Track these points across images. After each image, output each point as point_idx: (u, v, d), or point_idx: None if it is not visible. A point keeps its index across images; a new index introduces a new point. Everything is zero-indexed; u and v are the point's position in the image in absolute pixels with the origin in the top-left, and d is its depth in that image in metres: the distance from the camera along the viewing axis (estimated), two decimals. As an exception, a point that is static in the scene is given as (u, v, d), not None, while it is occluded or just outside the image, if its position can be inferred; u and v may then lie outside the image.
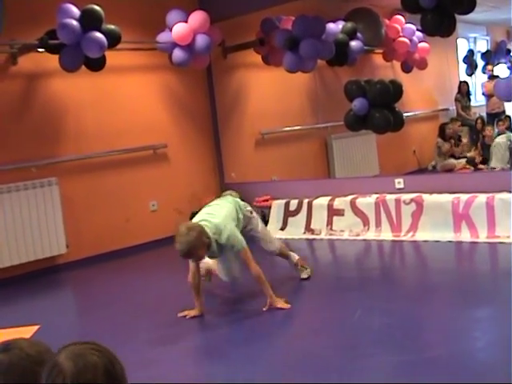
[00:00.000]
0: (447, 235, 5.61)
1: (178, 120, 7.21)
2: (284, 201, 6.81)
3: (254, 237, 4.52)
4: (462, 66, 11.76)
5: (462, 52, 11.80)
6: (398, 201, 6.01)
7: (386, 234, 5.99)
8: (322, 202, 6.51)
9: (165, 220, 6.77)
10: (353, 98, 7.18)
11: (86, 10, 5.49)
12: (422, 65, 9.51)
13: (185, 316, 4.16)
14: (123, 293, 5.12)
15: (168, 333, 3.95)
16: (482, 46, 12.50)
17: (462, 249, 5.45)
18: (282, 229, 6.68)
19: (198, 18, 6.32)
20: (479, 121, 9.54)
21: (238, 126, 7.81)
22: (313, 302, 4.39)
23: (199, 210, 4.39)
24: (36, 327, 4.18)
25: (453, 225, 5.63)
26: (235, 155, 7.71)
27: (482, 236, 5.44)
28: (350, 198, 6.34)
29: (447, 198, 5.73)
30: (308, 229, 6.52)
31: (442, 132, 9.20)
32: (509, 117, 9.07)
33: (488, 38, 12.58)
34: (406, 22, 9.07)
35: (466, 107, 10.47)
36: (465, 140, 9.58)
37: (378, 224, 6.09)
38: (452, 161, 8.93)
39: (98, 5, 5.56)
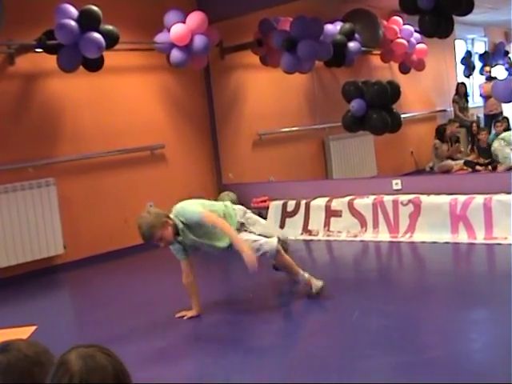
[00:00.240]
0: (445, 236, 5.61)
1: (175, 120, 7.21)
2: (281, 202, 6.81)
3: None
4: (460, 68, 11.77)
5: (460, 53, 11.81)
6: (395, 202, 6.01)
7: (384, 235, 5.99)
8: (319, 202, 6.51)
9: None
10: (350, 99, 7.18)
11: (84, 11, 5.49)
12: (420, 66, 9.52)
13: (182, 317, 4.16)
14: (121, 293, 5.12)
15: (166, 333, 3.95)
16: (480, 47, 12.52)
17: (460, 250, 5.45)
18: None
19: (195, 18, 6.32)
20: (474, 124, 9.55)
21: (236, 127, 7.81)
22: (311, 303, 4.38)
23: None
24: (33, 328, 4.16)
25: (450, 226, 5.63)
26: (233, 156, 7.71)
27: (480, 237, 5.44)
28: (347, 199, 6.35)
29: (445, 199, 5.73)
30: (305, 230, 6.52)
31: (439, 133, 9.20)
32: (507, 118, 9.08)
33: (486, 39, 12.60)
34: (404, 24, 9.08)
35: (464, 108, 10.47)
36: (462, 141, 9.58)
37: (376, 225, 6.09)
38: (449, 162, 8.93)
39: (96, 5, 5.56)
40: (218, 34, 6.67)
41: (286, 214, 6.73)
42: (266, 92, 8.13)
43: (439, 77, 10.96)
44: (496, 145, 8.30)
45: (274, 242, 4.17)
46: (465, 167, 8.68)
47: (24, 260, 5.74)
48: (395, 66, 9.54)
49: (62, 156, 6.18)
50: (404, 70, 9.51)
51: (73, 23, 5.38)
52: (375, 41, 8.72)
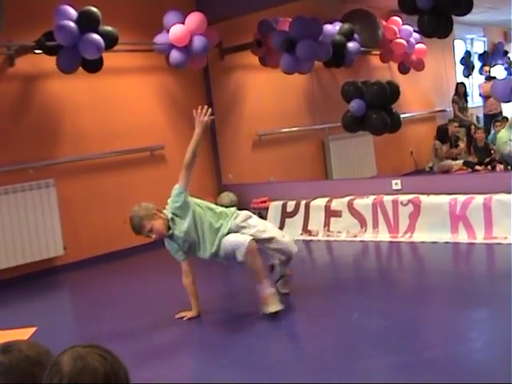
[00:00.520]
0: (444, 236, 5.61)
1: (175, 121, 7.20)
2: (281, 202, 6.81)
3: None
4: (459, 68, 11.80)
5: (459, 53, 11.84)
6: (395, 202, 6.01)
7: (384, 236, 6.00)
8: (319, 203, 6.51)
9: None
10: (350, 100, 7.18)
11: (83, 12, 5.49)
12: (419, 66, 9.53)
13: (182, 317, 4.16)
14: (121, 294, 5.12)
15: (166, 334, 3.95)
16: (479, 47, 12.54)
17: (460, 250, 5.45)
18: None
19: (195, 19, 6.33)
20: (473, 126, 9.55)
21: (236, 128, 7.81)
22: (310, 303, 4.38)
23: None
24: (33, 329, 4.17)
25: (450, 226, 5.63)
26: (232, 156, 7.71)
27: (480, 237, 5.45)
28: (347, 199, 6.35)
29: (444, 199, 5.73)
30: (305, 230, 6.52)
31: (441, 134, 9.21)
32: (506, 118, 9.08)
33: (485, 39, 12.63)
34: (403, 24, 9.09)
35: (463, 108, 10.49)
36: (462, 142, 9.58)
37: (376, 225, 6.09)
38: (449, 162, 8.94)
39: (95, 6, 5.56)
40: (217, 34, 6.68)
41: (285, 215, 6.73)
42: (266, 92, 8.14)
43: (438, 77, 10.98)
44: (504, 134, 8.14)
45: (246, 239, 3.96)
46: (464, 167, 8.69)
47: (24, 261, 5.73)
48: (394, 66, 9.56)
49: (62, 157, 6.18)
50: (403, 70, 9.52)
51: (72, 24, 5.38)
52: (374, 41, 8.73)
